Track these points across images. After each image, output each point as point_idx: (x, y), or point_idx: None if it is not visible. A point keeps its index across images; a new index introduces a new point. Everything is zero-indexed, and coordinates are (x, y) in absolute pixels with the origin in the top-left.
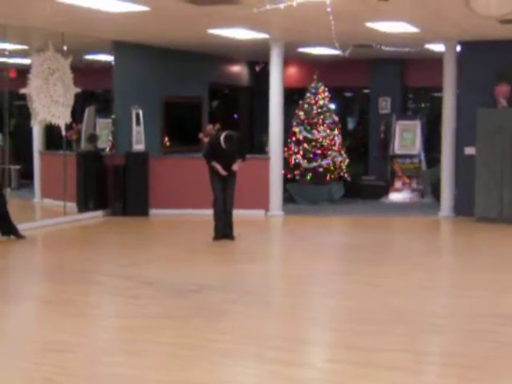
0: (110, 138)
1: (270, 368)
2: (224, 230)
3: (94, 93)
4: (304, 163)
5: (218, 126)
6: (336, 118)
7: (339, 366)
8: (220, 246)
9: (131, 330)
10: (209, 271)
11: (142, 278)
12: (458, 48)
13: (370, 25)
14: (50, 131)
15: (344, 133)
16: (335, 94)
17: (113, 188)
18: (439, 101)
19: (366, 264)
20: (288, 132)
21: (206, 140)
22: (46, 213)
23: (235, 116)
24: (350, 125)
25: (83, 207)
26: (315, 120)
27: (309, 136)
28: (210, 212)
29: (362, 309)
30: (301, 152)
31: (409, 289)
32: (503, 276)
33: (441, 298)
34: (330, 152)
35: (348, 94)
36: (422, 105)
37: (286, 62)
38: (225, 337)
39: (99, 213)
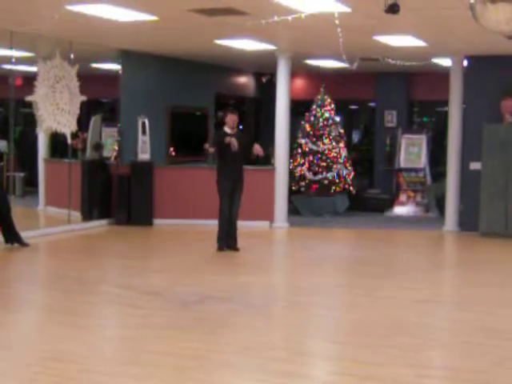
0: (116, 147)
1: (272, 380)
2: (227, 240)
3: (100, 101)
4: (309, 175)
5: None
6: (342, 131)
7: (341, 378)
8: (224, 257)
9: (133, 341)
10: (212, 282)
11: (146, 288)
12: (465, 63)
13: (377, 38)
14: (55, 139)
15: (349, 146)
16: (341, 106)
17: (117, 197)
18: (445, 115)
19: (370, 277)
20: (293, 144)
21: (211, 150)
22: (50, 221)
23: (241, 127)
24: (356, 138)
25: (87, 216)
26: (321, 132)
27: (314, 148)
28: (214, 222)
29: (364, 321)
30: (306, 164)
31: (412, 302)
32: (507, 291)
33: (443, 312)
34: (335, 164)
35: (353, 107)
36: (425, 119)
37: (293, 73)
38: (228, 348)
39: (103, 222)
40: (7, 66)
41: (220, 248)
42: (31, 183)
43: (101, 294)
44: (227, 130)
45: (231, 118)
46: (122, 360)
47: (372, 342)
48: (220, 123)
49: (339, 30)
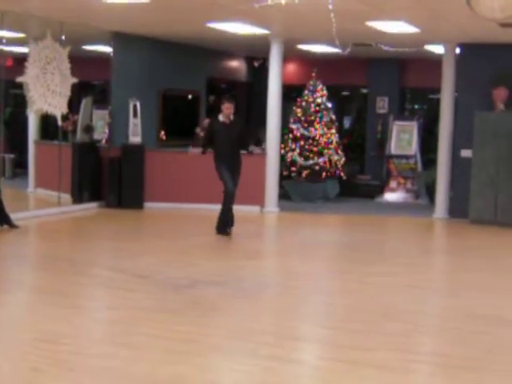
0: (106, 129)
1: (262, 364)
2: (226, 225)
3: (91, 83)
4: (300, 161)
5: None
6: (333, 117)
7: (330, 363)
8: (215, 241)
9: (123, 323)
10: (204, 266)
11: (137, 271)
12: (458, 50)
13: (370, 23)
14: (46, 121)
15: (340, 131)
16: (332, 92)
17: (108, 180)
18: (436, 102)
19: (360, 262)
20: (285, 129)
21: (202, 134)
22: (40, 203)
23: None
24: (347, 124)
25: (77, 198)
26: (312, 118)
27: (306, 133)
28: (205, 206)
29: (355, 307)
30: (297, 149)
31: (401, 288)
32: (495, 278)
33: (433, 298)
34: (326, 150)
35: (345, 93)
36: (416, 106)
37: (285, 58)
38: (218, 332)
39: (93, 204)
40: None
41: (219, 231)
42: (21, 165)
43: (92, 277)
44: (221, 118)
45: (226, 107)
46: (112, 342)
47: (362, 328)
48: (212, 107)
49: (332, 15)
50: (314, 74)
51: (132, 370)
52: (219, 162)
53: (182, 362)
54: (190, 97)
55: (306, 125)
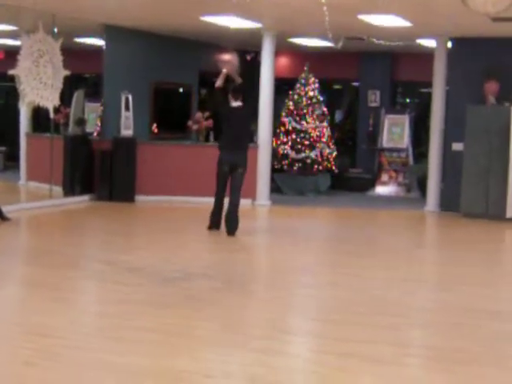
0: (98, 122)
1: (254, 357)
2: (219, 221)
3: (83, 76)
4: (292, 154)
5: (207, 114)
6: (325, 110)
7: (322, 356)
8: (206, 235)
9: (116, 316)
10: (195, 259)
11: (129, 264)
12: (449, 44)
13: (362, 17)
14: (38, 113)
15: (332, 125)
16: (324, 85)
17: (99, 173)
18: (428, 96)
19: (352, 256)
20: (276, 122)
21: (194, 128)
22: (32, 196)
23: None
24: (338, 117)
25: (69, 191)
26: (304, 111)
27: (297, 127)
28: (196, 199)
29: (346, 300)
30: (289, 142)
31: (393, 282)
32: (487, 271)
33: (425, 292)
34: (318, 143)
35: (337, 87)
36: (408, 100)
37: (277, 52)
38: (209, 325)
39: (85, 197)
40: None
41: (209, 226)
42: (13, 158)
43: (83, 270)
44: (232, 101)
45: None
46: (105, 335)
47: (353, 320)
48: (203, 101)
49: (325, 8)
50: (305, 68)
51: (125, 363)
52: (220, 151)
53: (174, 355)
54: (182, 90)
55: (297, 118)
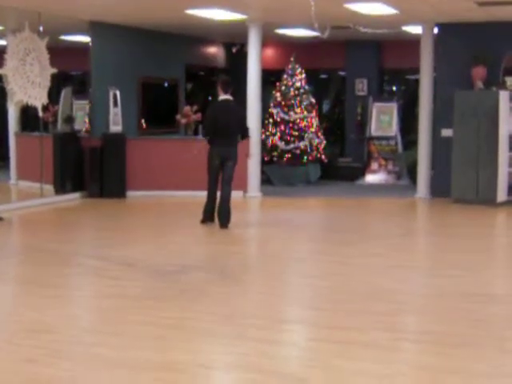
0: (86, 119)
1: (251, 346)
2: (212, 215)
3: (70, 74)
4: (281, 145)
5: (195, 107)
6: (313, 100)
7: (319, 344)
8: (199, 228)
9: (112, 311)
10: (188, 252)
11: (122, 259)
12: (436, 30)
13: (348, 5)
14: (26, 112)
15: (320, 115)
16: (312, 75)
17: (90, 170)
18: (415, 83)
19: (344, 244)
20: (265, 113)
21: (183, 121)
22: (23, 195)
23: (210, 98)
24: (326, 107)
25: (60, 189)
26: (292, 102)
27: (286, 118)
28: (186, 194)
29: (339, 288)
30: (278, 134)
31: (385, 268)
32: (478, 256)
33: (417, 278)
34: (306, 134)
35: (323, 76)
36: (394, 88)
37: (263, 43)
38: (206, 316)
39: (76, 195)
40: None
41: (202, 220)
42: (2, 157)
43: (77, 266)
44: (221, 94)
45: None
46: (103, 330)
47: (348, 308)
48: (190, 94)
49: None
50: (292, 58)
51: (126, 357)
52: (211, 149)
53: (172, 348)
54: (169, 84)
55: (285, 109)
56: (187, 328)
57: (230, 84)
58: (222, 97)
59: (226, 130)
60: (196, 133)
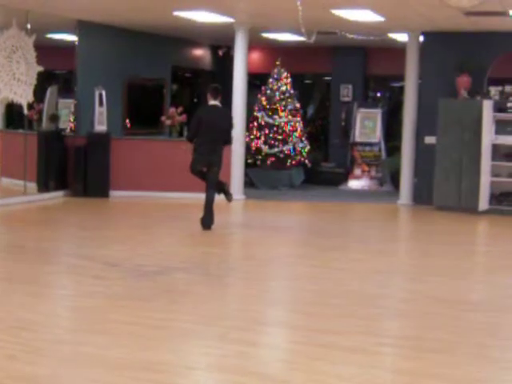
0: (71, 118)
1: (234, 348)
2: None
3: (56, 72)
4: (265, 149)
5: (180, 109)
6: (298, 105)
7: (300, 346)
8: (181, 229)
9: (95, 310)
10: (171, 253)
11: (105, 258)
12: (421, 38)
13: (335, 12)
14: (11, 110)
15: (305, 119)
16: (297, 80)
17: (74, 168)
18: (400, 90)
19: (326, 249)
20: (249, 117)
21: (168, 122)
22: (6, 192)
23: (195, 100)
24: (310, 112)
25: (43, 187)
26: (277, 106)
27: (270, 121)
28: (170, 195)
29: (322, 292)
30: (262, 137)
31: (368, 273)
32: (460, 263)
33: (400, 283)
34: (291, 138)
35: (308, 81)
36: (379, 94)
37: (250, 47)
38: (187, 317)
39: (60, 193)
40: None
41: (204, 227)
42: None
43: (60, 265)
44: (210, 99)
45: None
46: (85, 329)
47: (331, 312)
48: (175, 96)
49: (299, 2)
50: (278, 62)
51: (107, 356)
52: (195, 154)
53: (154, 348)
54: (155, 85)
55: (270, 113)
56: (168, 328)
57: (219, 91)
58: (211, 102)
59: (211, 134)
60: (181, 134)
